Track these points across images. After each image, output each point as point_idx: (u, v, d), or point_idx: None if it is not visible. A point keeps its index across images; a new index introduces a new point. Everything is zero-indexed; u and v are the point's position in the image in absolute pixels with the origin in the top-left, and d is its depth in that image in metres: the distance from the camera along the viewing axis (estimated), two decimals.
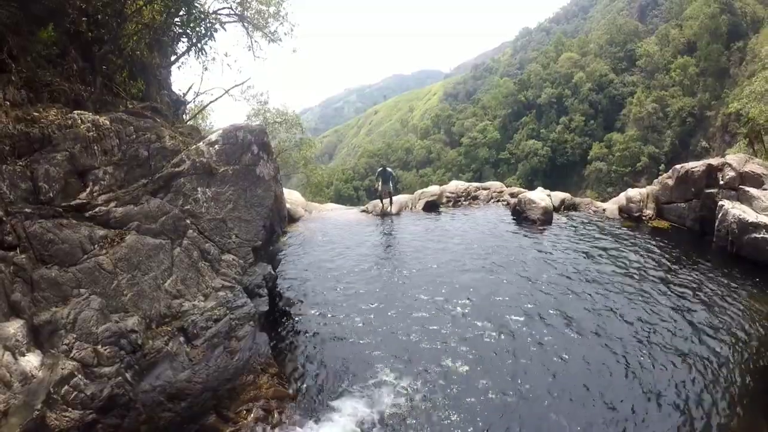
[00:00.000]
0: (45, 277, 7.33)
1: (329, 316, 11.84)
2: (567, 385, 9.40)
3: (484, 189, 22.44)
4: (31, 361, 6.89)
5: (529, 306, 12.15)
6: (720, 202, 15.36)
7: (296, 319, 11.81)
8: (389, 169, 19.81)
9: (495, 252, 15.65)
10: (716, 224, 15.17)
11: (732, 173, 15.71)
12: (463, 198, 21.59)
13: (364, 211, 20.39)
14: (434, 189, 21.79)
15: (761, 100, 21.92)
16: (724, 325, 10.99)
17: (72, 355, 7.25)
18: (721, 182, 15.85)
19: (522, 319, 11.50)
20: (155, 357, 8.02)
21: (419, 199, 20.75)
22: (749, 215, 14.23)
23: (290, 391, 9.38)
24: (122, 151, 8.35)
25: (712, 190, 16.16)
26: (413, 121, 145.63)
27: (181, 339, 8.44)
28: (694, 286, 12.93)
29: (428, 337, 10.79)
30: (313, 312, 12.06)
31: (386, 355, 10.30)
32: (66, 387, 7.09)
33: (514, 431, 8.29)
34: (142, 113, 9.32)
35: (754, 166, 15.78)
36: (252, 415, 8.67)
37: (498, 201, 21.48)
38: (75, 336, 7.34)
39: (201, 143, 9.72)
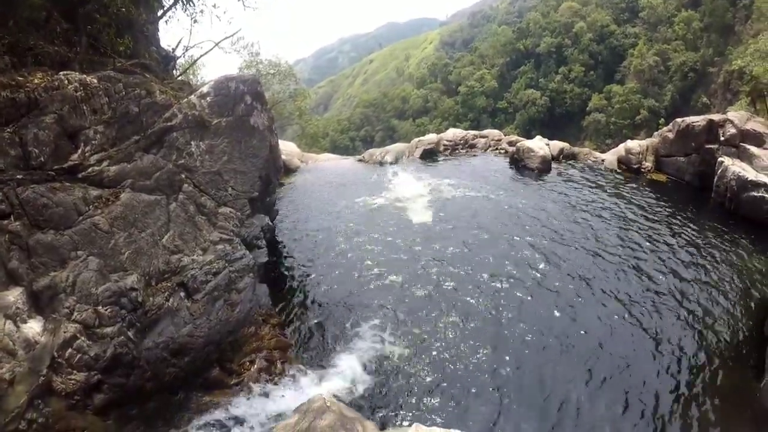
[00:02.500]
0: (41, 242, 7.26)
1: (328, 264, 11.90)
2: (563, 330, 9.63)
3: (482, 137, 22.21)
4: (33, 327, 6.91)
5: (527, 254, 12.29)
6: (720, 159, 15.28)
7: (296, 268, 11.86)
8: None
9: (493, 200, 15.68)
10: (715, 180, 15.14)
11: (733, 130, 15.54)
12: (460, 146, 21.37)
13: (360, 160, 20.16)
14: (431, 137, 21.52)
15: (766, 59, 21.43)
16: (718, 281, 11.11)
17: (73, 317, 7.27)
18: (722, 138, 15.71)
19: (520, 268, 11.64)
20: (156, 314, 8.03)
21: (416, 147, 20.50)
22: (749, 173, 14.17)
23: (292, 341, 9.52)
24: (112, 108, 8.12)
25: (712, 146, 16.04)
26: (409, 70, 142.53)
27: (182, 294, 8.45)
28: (691, 240, 12.99)
29: (426, 285, 10.91)
30: (312, 261, 12.11)
31: (385, 302, 10.45)
32: (69, 350, 7.13)
33: (516, 384, 8.47)
34: (131, 70, 9.05)
35: (756, 125, 15.59)
36: (255, 366, 8.79)
37: (496, 149, 21.31)
38: (75, 299, 7.33)
39: (192, 96, 9.48)
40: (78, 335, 7.21)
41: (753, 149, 14.89)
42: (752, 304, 10.23)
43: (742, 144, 15.27)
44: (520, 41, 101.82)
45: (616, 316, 10.06)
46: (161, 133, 8.73)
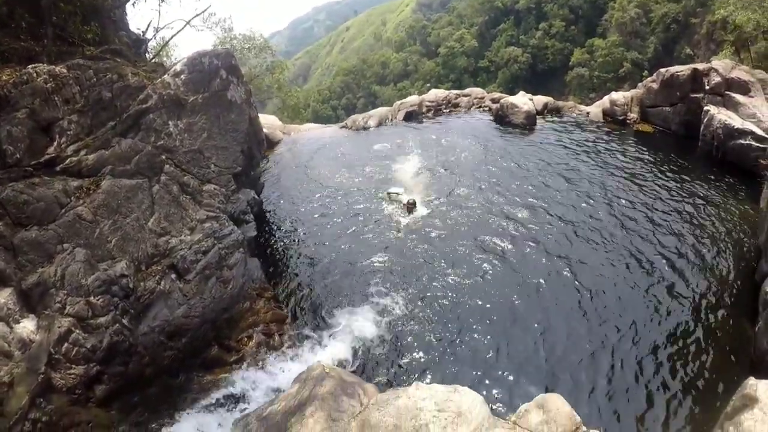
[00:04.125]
0: (26, 240, 7.13)
1: (317, 233, 11.87)
2: (556, 280, 9.79)
3: (465, 96, 22.00)
4: (27, 326, 6.83)
5: (518, 206, 12.41)
6: (705, 107, 15.30)
7: (286, 240, 11.81)
8: None
9: (481, 156, 15.65)
10: (701, 129, 15.19)
11: (718, 78, 15.49)
12: (443, 106, 21.19)
13: (343, 127, 19.94)
14: (413, 99, 21.27)
15: (748, 8, 21.25)
16: (708, 228, 11.22)
17: (66, 311, 7.20)
18: (707, 87, 15.68)
19: (514, 220, 11.78)
20: (149, 298, 7.98)
21: (399, 110, 20.27)
22: (735, 121, 14.21)
23: (288, 313, 9.55)
24: (84, 96, 7.93)
25: (697, 95, 16.04)
26: (387, 35, 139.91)
27: (173, 276, 8.40)
28: (680, 188, 13.07)
29: (419, 244, 10.94)
30: (301, 231, 12.06)
31: (378, 266, 10.49)
32: (66, 344, 7.08)
33: (512, 337, 8.55)
34: (101, 57, 8.81)
35: (741, 73, 15.56)
36: (253, 340, 8.85)
37: (480, 107, 21.16)
38: (66, 292, 7.25)
39: (166, 75, 9.31)
40: (73, 329, 7.16)
41: (738, 97, 14.89)
42: (743, 251, 10.35)
43: (727, 92, 15.26)
44: None
45: (607, 264, 10.18)
46: (137, 116, 8.55)
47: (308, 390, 6.19)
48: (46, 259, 7.23)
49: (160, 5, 11.86)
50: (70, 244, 7.42)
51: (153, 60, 12.17)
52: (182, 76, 9.39)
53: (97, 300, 7.41)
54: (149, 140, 8.64)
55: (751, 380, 4.26)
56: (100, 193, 7.87)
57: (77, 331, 7.18)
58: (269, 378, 8.22)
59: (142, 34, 11.75)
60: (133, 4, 11.50)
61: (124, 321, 7.63)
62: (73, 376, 7.04)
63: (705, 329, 8.48)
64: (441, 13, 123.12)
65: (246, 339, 8.89)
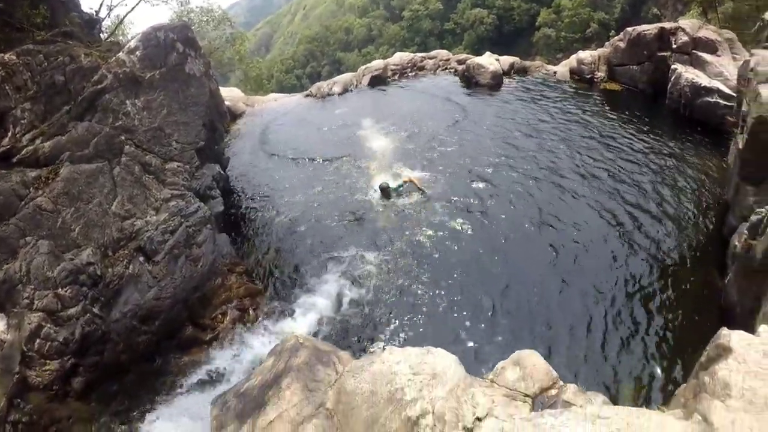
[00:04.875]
0: None
1: (286, 204, 11.71)
2: (527, 237, 9.91)
3: (430, 58, 21.76)
4: None
5: (488, 165, 12.45)
6: (673, 66, 15.36)
7: (255, 212, 11.64)
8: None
9: (446, 117, 15.57)
10: (669, 87, 15.28)
11: (685, 38, 15.53)
12: (409, 69, 20.92)
13: (308, 95, 19.54)
14: (378, 63, 20.91)
15: None
16: (677, 185, 11.38)
17: (35, 306, 6.99)
18: (675, 46, 15.74)
19: (481, 179, 11.86)
20: (118, 284, 7.78)
21: (363, 75, 19.94)
22: (702, 79, 14.31)
23: (261, 286, 9.47)
24: (36, 83, 7.61)
25: (664, 54, 16.07)
26: (350, 0, 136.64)
27: (141, 259, 8.19)
28: (648, 146, 13.20)
29: (385, 213, 10.92)
30: (269, 203, 11.89)
31: (348, 233, 10.47)
32: (38, 340, 6.90)
33: (483, 295, 8.62)
34: (52, 40, 8.43)
35: (708, 33, 15.60)
36: (228, 317, 8.79)
37: (446, 69, 20.97)
38: (33, 287, 7.03)
39: (121, 53, 9.02)
40: (43, 323, 6.97)
41: (705, 56, 14.96)
42: (711, 206, 10.56)
43: (694, 51, 15.32)
44: None
45: (576, 221, 10.29)
46: (92, 98, 8.21)
47: (283, 362, 6.17)
48: (9, 254, 6.99)
49: None
50: (33, 236, 7.18)
51: (108, 39, 11.63)
52: (137, 53, 9.06)
53: (66, 291, 7.20)
54: (107, 121, 8.31)
55: (725, 330, 4.33)
56: (59, 181, 7.58)
57: (48, 325, 6.99)
58: (247, 353, 8.18)
59: (95, 13, 11.20)
60: None
61: (95, 310, 7.45)
62: (48, 372, 6.88)
63: (675, 283, 8.66)
64: None
65: (220, 316, 8.82)
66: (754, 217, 6.95)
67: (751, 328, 5.97)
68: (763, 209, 6.79)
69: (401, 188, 11.24)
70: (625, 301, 8.37)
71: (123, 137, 8.50)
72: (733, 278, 7.63)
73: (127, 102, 8.66)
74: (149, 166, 8.78)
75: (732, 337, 4.19)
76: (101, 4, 11.56)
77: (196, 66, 10.04)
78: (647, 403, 6.29)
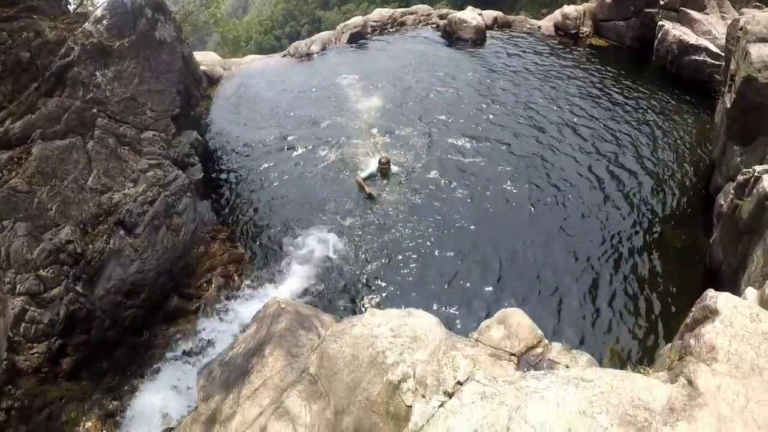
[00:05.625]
0: None
1: (267, 168, 11.50)
2: (510, 198, 9.88)
3: (411, 14, 21.11)
4: None
5: (470, 121, 12.34)
6: (660, 22, 15.09)
7: (235, 178, 11.42)
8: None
9: (427, 73, 15.25)
10: (656, 44, 15.06)
11: None
12: (389, 25, 20.26)
13: (286, 55, 18.97)
14: (357, 20, 20.21)
15: None
16: (662, 143, 11.36)
17: (17, 290, 6.81)
18: (662, 2, 15.42)
19: (465, 138, 11.72)
20: (100, 259, 7.62)
21: (342, 33, 19.30)
22: (690, 37, 14.10)
23: (245, 252, 9.40)
24: (2, 62, 7.25)
25: (652, 10, 15.77)
26: None
27: (121, 233, 8.01)
28: (634, 103, 13.10)
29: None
30: (250, 167, 11.66)
31: (331, 194, 10.38)
32: (23, 324, 6.75)
33: (463, 258, 8.62)
34: (15, 16, 7.89)
35: None
36: (213, 285, 8.74)
37: (427, 24, 20.36)
38: (14, 270, 6.83)
39: (87, 23, 8.60)
40: (27, 307, 6.81)
41: (694, 14, 14.69)
42: (697, 164, 10.56)
43: (682, 8, 15.02)
44: None
45: (560, 179, 10.26)
46: (60, 72, 7.85)
47: (266, 328, 6.17)
48: None
49: None
50: (10, 220, 6.93)
51: (77, 10, 11.07)
52: (104, 22, 8.66)
53: (47, 272, 7.03)
54: (77, 95, 7.97)
55: (711, 292, 4.29)
56: (32, 160, 7.29)
57: (32, 308, 6.84)
58: (233, 320, 8.19)
59: None
60: None
61: (78, 288, 7.30)
62: (36, 355, 6.77)
63: (660, 242, 8.72)
64: None
65: (205, 284, 8.77)
66: (740, 177, 6.92)
67: (736, 289, 6.06)
68: (749, 169, 6.76)
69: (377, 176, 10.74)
70: (609, 260, 8.41)
71: (95, 110, 8.18)
72: (718, 238, 7.69)
73: (97, 73, 8.30)
74: (124, 137, 8.50)
75: (719, 299, 4.16)
76: None
77: (166, 31, 9.66)
78: (632, 363, 6.37)
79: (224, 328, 8.09)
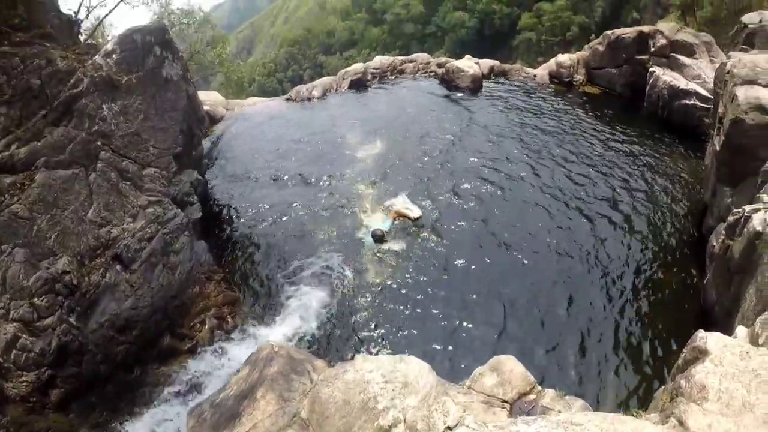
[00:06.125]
0: None
1: (264, 211, 11.60)
2: (507, 243, 9.93)
3: (410, 62, 21.63)
4: None
5: (467, 168, 12.52)
6: (651, 69, 15.58)
7: (233, 219, 11.50)
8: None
9: (425, 121, 15.54)
10: (647, 90, 15.50)
11: (663, 41, 15.75)
12: (389, 73, 20.78)
13: (288, 99, 19.39)
14: (357, 66, 20.76)
15: None
16: (655, 185, 11.55)
17: (11, 316, 6.77)
18: (653, 49, 15.95)
19: (464, 185, 11.88)
20: (95, 293, 7.59)
21: (343, 79, 19.79)
22: (680, 82, 14.55)
23: (239, 294, 9.38)
24: (12, 86, 7.36)
25: (643, 57, 16.29)
26: (332, 2, 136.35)
27: (118, 267, 8.00)
28: (627, 148, 13.36)
29: (362, 224, 10.82)
30: (248, 210, 11.75)
31: (326, 240, 10.40)
32: (14, 351, 6.69)
33: (454, 308, 8.60)
34: (29, 42, 8.13)
35: (686, 36, 15.83)
36: (206, 326, 8.69)
37: (425, 73, 20.85)
38: (8, 296, 6.81)
39: (97, 56, 8.80)
40: (19, 334, 6.75)
41: (683, 59, 15.18)
42: (689, 206, 10.71)
43: (672, 54, 15.53)
44: None
45: (557, 222, 10.39)
46: (69, 102, 8.00)
47: (258, 371, 6.12)
48: None
49: None
50: (8, 245, 6.95)
51: (87, 41, 11.38)
52: (114, 56, 8.87)
53: (42, 301, 7.00)
54: (83, 126, 8.11)
55: (701, 333, 4.33)
56: (35, 187, 7.36)
57: (24, 335, 6.78)
58: (225, 362, 8.12)
59: (74, 14, 10.92)
60: None
61: (72, 320, 7.26)
62: (25, 383, 6.68)
63: (655, 284, 8.77)
64: None
65: (199, 325, 8.72)
66: (731, 218, 7.03)
67: (730, 328, 6.04)
68: (739, 210, 6.87)
69: (393, 226, 10.69)
70: (605, 304, 8.44)
71: (99, 142, 8.32)
72: (711, 278, 7.73)
73: (104, 106, 8.47)
74: (126, 172, 8.61)
75: (708, 339, 4.20)
76: (80, 5, 11.25)
77: (173, 70, 9.89)
78: (627, 407, 6.32)
79: (216, 369, 8.03)
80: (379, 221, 10.52)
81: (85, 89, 8.20)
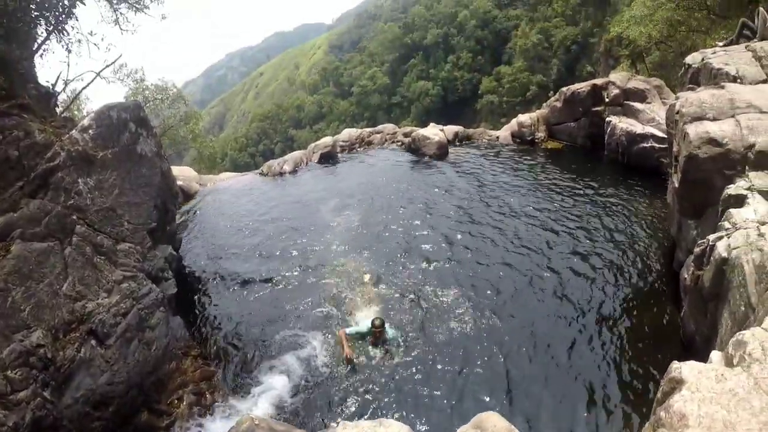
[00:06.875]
0: None
1: (239, 285, 11.51)
2: (480, 302, 9.92)
3: (377, 133, 22.45)
4: None
5: (435, 234, 12.65)
6: (608, 119, 16.44)
7: (208, 294, 11.36)
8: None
9: (395, 191, 15.85)
10: (606, 138, 16.27)
11: (617, 90, 16.76)
12: (357, 144, 21.48)
13: (260, 173, 19.69)
14: (327, 140, 21.38)
15: (640, 24, 23.53)
16: (624, 228, 11.93)
17: None
18: (607, 99, 16.91)
19: (435, 250, 11.97)
20: (69, 367, 7.33)
21: (313, 153, 20.31)
22: (636, 127, 15.36)
23: (217, 369, 9.17)
24: None
25: (598, 108, 17.23)
26: (301, 78, 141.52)
27: (93, 342, 7.78)
28: (592, 195, 13.85)
29: (338, 300, 10.70)
30: (223, 285, 11.65)
31: (302, 311, 10.30)
32: None
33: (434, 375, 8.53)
34: (7, 112, 8.24)
35: (637, 83, 16.91)
36: (184, 402, 8.43)
37: (393, 142, 21.61)
38: None
39: (74, 131, 8.94)
40: None
41: (637, 105, 16.08)
42: (658, 244, 11.03)
43: (626, 102, 16.47)
44: (407, 36, 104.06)
45: (530, 274, 10.52)
46: (45, 175, 8.05)
47: None
48: None
49: (68, 56, 11.34)
50: None
51: (63, 114, 11.58)
52: (90, 131, 9.03)
53: (16, 374, 6.71)
54: (59, 200, 8.12)
55: (675, 363, 4.41)
56: (11, 258, 7.24)
57: None
58: None
59: (51, 86, 11.18)
60: (41, 56, 10.96)
61: (46, 394, 6.94)
62: None
63: (635, 324, 8.89)
64: (353, 53, 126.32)
65: (176, 401, 8.45)
66: (697, 249, 7.29)
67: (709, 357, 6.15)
68: (704, 240, 7.14)
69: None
70: (586, 347, 8.48)
71: (75, 216, 8.29)
72: (687, 310, 7.89)
73: (80, 181, 8.51)
74: (101, 247, 8.55)
75: (683, 368, 4.28)
76: (57, 78, 11.54)
77: (148, 146, 10.06)
78: None
79: None
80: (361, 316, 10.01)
81: (62, 163, 8.26)
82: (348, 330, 9.29)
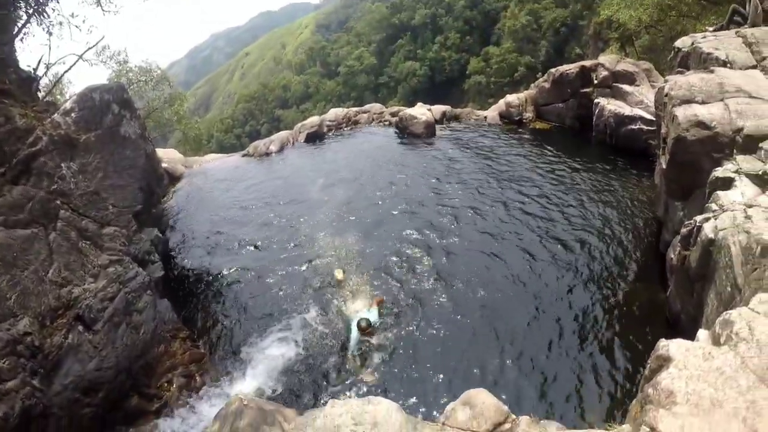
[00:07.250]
0: None
1: (226, 267, 11.47)
2: (463, 274, 10.04)
3: (364, 112, 22.29)
4: None
5: (424, 213, 12.68)
6: (596, 100, 16.44)
7: (195, 276, 11.32)
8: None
9: (383, 169, 15.84)
10: (594, 120, 16.28)
11: (605, 72, 16.74)
12: (344, 124, 21.35)
13: (245, 154, 19.49)
14: (314, 119, 21.20)
15: (630, 7, 23.47)
16: (611, 209, 11.99)
17: None
18: (596, 81, 16.91)
19: (422, 231, 11.91)
20: (57, 354, 7.29)
21: (300, 132, 20.13)
22: (625, 109, 15.41)
23: (206, 351, 9.20)
24: None
25: (587, 90, 17.23)
26: (287, 58, 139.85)
27: (80, 328, 7.73)
28: (581, 176, 13.89)
29: (326, 277, 10.72)
30: (210, 266, 11.61)
31: (290, 292, 10.31)
32: None
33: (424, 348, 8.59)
34: None
35: (626, 65, 16.89)
36: (174, 385, 8.45)
37: (380, 122, 21.51)
38: None
39: (56, 115, 8.75)
40: None
41: (626, 87, 16.10)
42: (646, 225, 11.14)
43: (615, 84, 16.47)
44: (395, 16, 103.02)
45: (517, 253, 10.61)
46: (27, 161, 7.88)
47: (228, 426, 5.95)
48: None
49: (49, 39, 11.06)
50: None
51: (45, 99, 11.33)
52: (72, 114, 8.85)
53: (4, 363, 6.64)
54: (42, 185, 7.97)
55: (663, 341, 4.48)
56: None
57: None
58: (196, 420, 7.86)
59: (33, 70, 10.91)
60: (21, 40, 10.67)
61: (35, 382, 6.89)
62: None
63: (622, 304, 8.99)
64: (340, 33, 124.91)
65: (166, 384, 8.46)
66: (684, 230, 7.37)
67: (696, 334, 6.25)
68: (691, 221, 7.21)
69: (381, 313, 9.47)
70: (573, 326, 8.58)
71: (59, 201, 8.16)
72: (674, 290, 7.99)
73: (63, 165, 8.36)
74: (86, 232, 8.44)
75: (671, 346, 4.33)
76: (39, 62, 11.27)
77: (131, 128, 9.90)
78: (604, 423, 6.38)
79: (186, 428, 7.77)
80: (359, 306, 9.74)
81: (44, 147, 8.10)
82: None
